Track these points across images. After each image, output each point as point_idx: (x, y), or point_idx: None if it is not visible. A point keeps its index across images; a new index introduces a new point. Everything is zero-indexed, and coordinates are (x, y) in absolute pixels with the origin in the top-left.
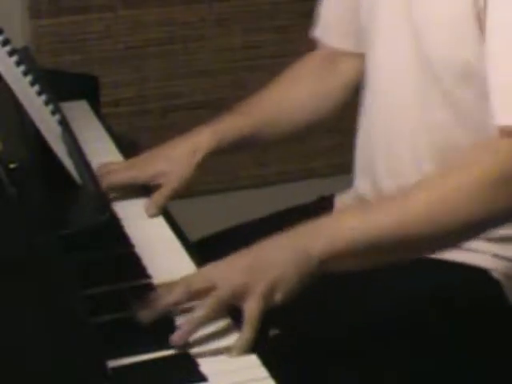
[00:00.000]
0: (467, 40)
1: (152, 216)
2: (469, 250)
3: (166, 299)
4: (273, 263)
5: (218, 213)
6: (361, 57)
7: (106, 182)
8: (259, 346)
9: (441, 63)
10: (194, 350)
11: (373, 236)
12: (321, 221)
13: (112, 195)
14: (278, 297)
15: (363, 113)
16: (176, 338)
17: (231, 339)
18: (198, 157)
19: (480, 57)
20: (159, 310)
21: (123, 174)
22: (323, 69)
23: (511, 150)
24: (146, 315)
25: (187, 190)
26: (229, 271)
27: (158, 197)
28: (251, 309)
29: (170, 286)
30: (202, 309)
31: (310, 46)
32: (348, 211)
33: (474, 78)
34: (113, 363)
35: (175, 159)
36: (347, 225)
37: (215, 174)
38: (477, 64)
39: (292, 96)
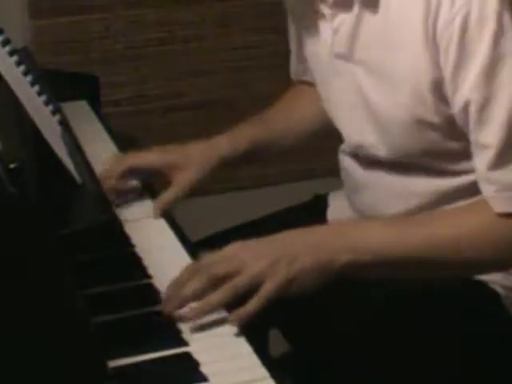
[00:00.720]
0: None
1: (159, 214)
2: None
3: (189, 288)
4: (296, 259)
5: (218, 213)
6: None
7: (122, 166)
8: (259, 346)
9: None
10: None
11: (398, 253)
12: (347, 227)
13: (116, 200)
14: (293, 290)
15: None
16: (189, 315)
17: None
18: (212, 163)
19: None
20: (185, 299)
21: (139, 158)
22: None
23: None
24: (171, 306)
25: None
26: (253, 258)
27: (168, 195)
28: (267, 289)
29: (190, 271)
30: (219, 293)
31: None
32: (374, 222)
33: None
34: (113, 363)
35: (192, 157)
36: (374, 237)
37: (215, 174)
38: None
39: (299, 111)
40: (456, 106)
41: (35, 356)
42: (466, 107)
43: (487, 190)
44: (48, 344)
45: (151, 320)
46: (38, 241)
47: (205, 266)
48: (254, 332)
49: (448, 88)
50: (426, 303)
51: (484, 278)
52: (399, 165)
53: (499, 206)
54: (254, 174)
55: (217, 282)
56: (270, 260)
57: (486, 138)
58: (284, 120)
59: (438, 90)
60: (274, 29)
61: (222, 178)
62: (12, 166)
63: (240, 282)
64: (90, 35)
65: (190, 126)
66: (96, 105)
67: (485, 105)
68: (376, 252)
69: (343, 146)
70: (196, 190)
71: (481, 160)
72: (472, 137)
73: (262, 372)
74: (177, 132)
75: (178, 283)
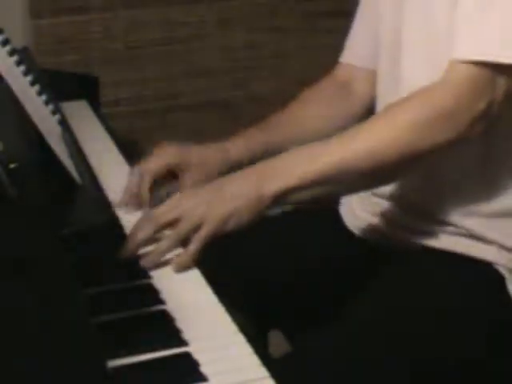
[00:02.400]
0: None
1: None
2: (473, 240)
3: (140, 235)
4: (229, 199)
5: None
6: (374, 83)
7: (144, 176)
8: (259, 346)
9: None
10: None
11: (319, 171)
12: (273, 161)
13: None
14: (230, 227)
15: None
16: (144, 263)
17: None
18: (225, 167)
19: None
20: (136, 245)
21: (157, 159)
22: (338, 93)
23: (457, 86)
24: (124, 253)
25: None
26: (192, 205)
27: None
28: (203, 231)
29: (139, 222)
30: (165, 241)
31: (310, 45)
32: (297, 151)
33: None
34: (113, 363)
35: (207, 158)
36: (296, 163)
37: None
38: None
39: (306, 120)
40: None
41: (35, 356)
42: None
43: (461, 35)
44: (48, 344)
45: (151, 320)
46: (37, 241)
47: (153, 216)
48: (254, 332)
49: None
50: (428, 289)
51: (489, 259)
52: None
53: (471, 53)
54: None
55: (164, 229)
56: (207, 204)
57: None
58: (295, 125)
59: None
60: (274, 29)
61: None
62: (12, 165)
63: (181, 228)
64: (90, 35)
65: (190, 126)
66: (96, 105)
67: None
68: (301, 175)
69: None
70: None
71: (460, 8)
72: None
73: (262, 372)
74: (177, 132)
75: (132, 232)
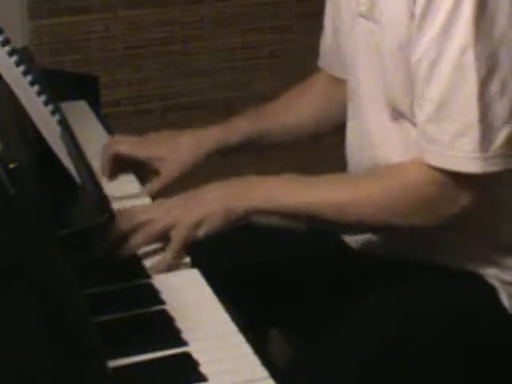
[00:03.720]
0: None
1: (144, 196)
2: (466, 254)
3: (115, 231)
4: (204, 203)
5: None
6: None
7: (110, 150)
8: (259, 346)
9: (401, 98)
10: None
11: (290, 206)
12: (256, 179)
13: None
14: (202, 232)
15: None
16: (117, 254)
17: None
18: (201, 152)
19: None
20: (111, 242)
21: (125, 146)
22: (330, 85)
23: (436, 181)
24: (101, 248)
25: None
26: (166, 208)
27: (156, 183)
28: (177, 235)
29: (122, 219)
30: (136, 237)
31: (310, 45)
32: (279, 178)
33: None
34: (113, 363)
35: (179, 149)
36: (275, 190)
37: (215, 173)
38: None
39: (298, 110)
40: (414, 57)
41: (35, 356)
42: (419, 61)
43: (422, 141)
44: (48, 344)
45: (151, 320)
46: (37, 241)
47: (131, 215)
48: (253, 332)
49: (411, 43)
50: (422, 299)
51: (481, 271)
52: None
53: (430, 158)
54: (254, 174)
55: (138, 229)
56: (182, 206)
57: (431, 93)
58: (280, 116)
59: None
60: (274, 29)
61: (223, 177)
62: (12, 165)
63: (154, 226)
64: (90, 35)
65: (190, 126)
66: (96, 105)
67: (436, 61)
68: (274, 202)
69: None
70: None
71: (422, 112)
72: (418, 91)
73: (261, 372)
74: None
75: (110, 229)
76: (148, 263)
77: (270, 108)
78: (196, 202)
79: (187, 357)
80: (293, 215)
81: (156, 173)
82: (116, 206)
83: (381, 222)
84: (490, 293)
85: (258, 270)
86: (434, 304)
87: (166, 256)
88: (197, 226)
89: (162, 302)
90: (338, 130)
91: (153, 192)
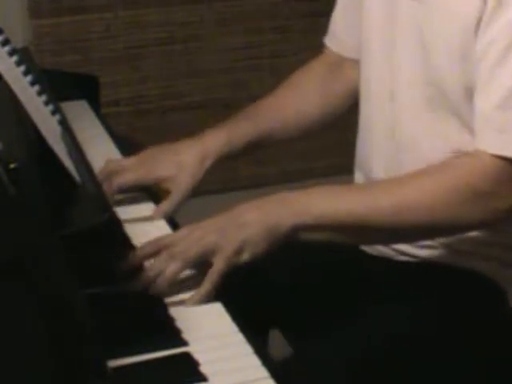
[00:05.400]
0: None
1: (158, 219)
2: (476, 255)
3: (141, 254)
4: (243, 226)
5: (218, 213)
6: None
7: (113, 184)
8: (259, 346)
9: (449, 79)
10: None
11: (339, 218)
12: (292, 195)
13: (116, 198)
14: (245, 257)
15: (363, 113)
16: (154, 290)
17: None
18: (207, 164)
19: None
20: (147, 276)
21: (130, 176)
22: (329, 75)
23: (497, 172)
24: (123, 270)
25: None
26: (201, 233)
27: (168, 204)
28: (218, 263)
29: (144, 247)
30: (174, 264)
31: (310, 45)
32: (319, 189)
33: None
34: (113, 363)
35: (184, 166)
36: (316, 203)
37: (215, 173)
38: None
39: (298, 102)
40: (484, 39)
41: (35, 356)
42: (491, 44)
43: (485, 129)
44: (48, 344)
45: (151, 320)
46: (37, 241)
47: (163, 242)
48: (253, 332)
49: (482, 24)
50: (428, 297)
51: (491, 273)
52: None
53: (494, 148)
54: (254, 174)
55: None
56: (219, 232)
57: (503, 78)
58: (282, 112)
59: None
60: (274, 29)
61: (222, 177)
62: (12, 165)
63: (191, 252)
64: (90, 35)
65: (190, 126)
66: (96, 105)
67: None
68: (318, 216)
69: None
70: (195, 191)
71: (488, 98)
72: (485, 74)
73: (262, 372)
74: (177, 132)
75: (138, 251)
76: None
77: (269, 106)
78: (234, 226)
79: (187, 357)
80: (338, 228)
81: (166, 192)
82: (130, 229)
83: (439, 223)
84: (501, 296)
85: (258, 270)
86: (439, 305)
87: (206, 286)
88: (238, 252)
89: (161, 302)
90: (343, 115)
91: (166, 214)
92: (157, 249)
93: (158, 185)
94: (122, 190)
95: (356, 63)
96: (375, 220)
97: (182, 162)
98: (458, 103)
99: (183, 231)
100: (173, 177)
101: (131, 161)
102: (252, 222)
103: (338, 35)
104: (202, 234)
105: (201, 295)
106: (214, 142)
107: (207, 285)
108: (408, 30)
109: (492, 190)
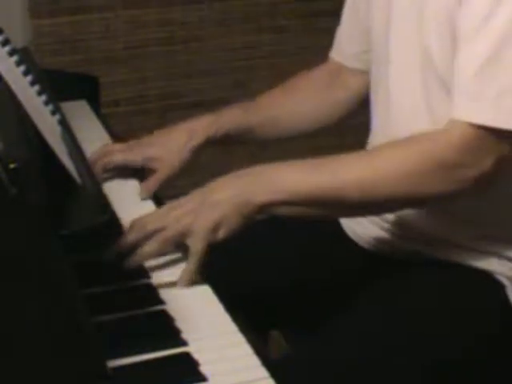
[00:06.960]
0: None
1: (144, 199)
2: (474, 250)
3: (126, 239)
4: (217, 205)
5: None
6: (364, 77)
7: (101, 162)
8: (259, 346)
9: (445, 67)
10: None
11: (309, 192)
12: (264, 170)
13: (105, 175)
14: (221, 234)
15: (375, 117)
16: (128, 264)
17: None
18: (193, 143)
19: None
20: (122, 249)
21: (118, 156)
22: (330, 81)
23: (464, 141)
24: (110, 255)
25: (178, 175)
26: (178, 213)
27: (151, 181)
28: (195, 244)
29: (131, 228)
30: (149, 245)
31: (309, 45)
32: (293, 164)
33: None
34: (113, 363)
35: (170, 146)
36: (289, 178)
37: (214, 173)
38: None
39: (295, 101)
40: (465, 10)
41: (35, 356)
42: (468, 15)
43: (463, 99)
44: (48, 344)
45: (151, 320)
46: (37, 241)
47: (141, 223)
48: (253, 332)
49: None
50: (428, 294)
51: (490, 269)
52: None
53: (470, 116)
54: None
55: (149, 236)
56: (193, 213)
57: (480, 48)
58: (275, 110)
59: None
60: (274, 29)
61: (222, 177)
62: (12, 166)
63: (167, 234)
64: (90, 35)
65: None
66: (96, 105)
67: (489, 16)
68: (291, 192)
69: None
70: (179, 174)
71: (465, 66)
72: (465, 46)
73: (261, 372)
74: None
75: (121, 237)
76: (169, 277)
77: (264, 100)
78: (207, 206)
79: (187, 357)
80: (311, 203)
81: (152, 171)
82: (120, 210)
83: (409, 194)
84: (500, 291)
85: (258, 270)
86: (440, 303)
87: (189, 267)
88: (214, 230)
89: (161, 302)
90: (342, 121)
91: (150, 191)
92: (140, 236)
93: (147, 165)
94: (109, 169)
95: (356, 72)
96: (348, 193)
97: (167, 142)
98: (447, 75)
99: (161, 211)
100: (158, 157)
101: (119, 145)
102: (225, 200)
103: (341, 46)
104: (178, 216)
105: (186, 276)
106: (202, 122)
107: (191, 265)
108: (408, 15)
109: (458, 161)
